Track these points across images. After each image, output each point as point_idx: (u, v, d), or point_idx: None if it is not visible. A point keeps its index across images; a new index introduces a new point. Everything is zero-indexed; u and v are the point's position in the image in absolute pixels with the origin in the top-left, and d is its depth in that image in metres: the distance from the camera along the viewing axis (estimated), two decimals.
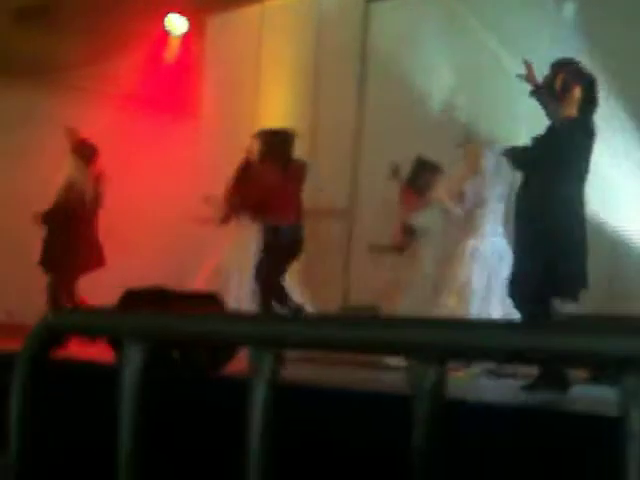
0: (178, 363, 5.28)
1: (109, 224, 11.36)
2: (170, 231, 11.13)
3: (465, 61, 9.38)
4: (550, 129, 5.93)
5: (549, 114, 5.96)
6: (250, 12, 11.65)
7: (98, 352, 5.80)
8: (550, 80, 5.99)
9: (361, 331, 1.41)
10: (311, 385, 4.54)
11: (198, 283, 9.13)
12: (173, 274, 9.85)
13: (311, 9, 11.01)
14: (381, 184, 8.97)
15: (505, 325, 1.32)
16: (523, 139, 6.90)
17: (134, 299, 5.77)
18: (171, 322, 1.60)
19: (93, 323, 1.77)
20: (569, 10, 8.90)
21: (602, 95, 6.07)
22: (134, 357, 1.60)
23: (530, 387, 5.56)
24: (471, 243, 7.58)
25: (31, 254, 8.91)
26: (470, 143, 7.85)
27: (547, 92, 5.94)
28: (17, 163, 10.54)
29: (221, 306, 6.23)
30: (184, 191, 11.17)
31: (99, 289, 8.53)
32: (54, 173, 9.05)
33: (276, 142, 7.75)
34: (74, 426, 4.61)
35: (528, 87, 6.07)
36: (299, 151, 10.58)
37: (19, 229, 9.16)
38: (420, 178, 8.37)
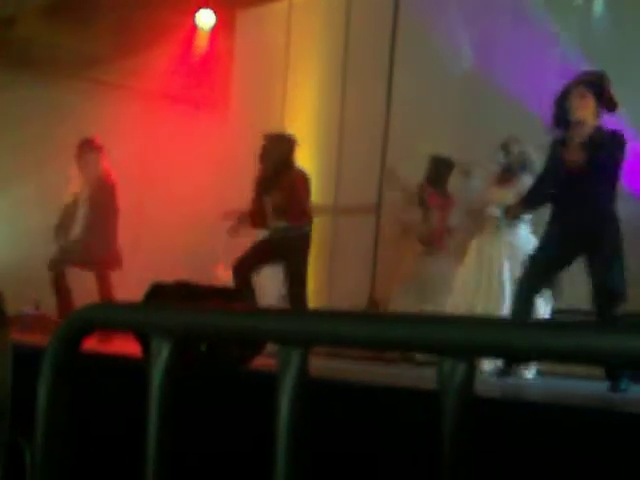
0: (206, 357, 5.29)
1: (139, 218, 11.41)
2: (200, 224, 11.19)
3: (495, 55, 9.33)
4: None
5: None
6: (278, 6, 11.66)
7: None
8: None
9: (390, 328, 1.40)
10: (336, 380, 4.54)
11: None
12: (202, 268, 9.90)
13: (340, 2, 10.99)
14: (410, 178, 8.95)
15: (535, 324, 1.31)
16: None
17: (161, 293, 5.79)
18: (198, 317, 1.60)
19: (121, 317, 1.77)
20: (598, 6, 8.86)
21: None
22: (161, 351, 1.60)
23: (500, 374, 6.28)
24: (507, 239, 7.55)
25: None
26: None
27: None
28: (41, 157, 10.61)
29: (249, 301, 6.24)
30: (213, 184, 11.23)
31: (129, 283, 8.59)
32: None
33: (275, 147, 7.76)
34: (102, 420, 4.64)
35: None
36: (326, 146, 10.59)
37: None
38: (440, 176, 8.46)
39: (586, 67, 7.84)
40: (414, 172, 8.81)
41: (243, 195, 11.25)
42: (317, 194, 10.45)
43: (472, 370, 1.35)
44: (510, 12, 9.31)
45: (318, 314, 1.50)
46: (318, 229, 10.85)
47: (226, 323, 1.55)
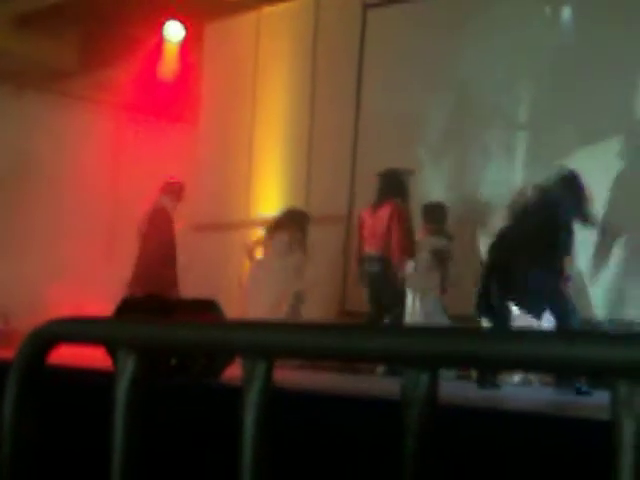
0: (175, 370, 5.27)
1: (113, 233, 11.37)
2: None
3: (462, 69, 9.38)
4: None
5: None
6: (247, 19, 11.66)
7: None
8: None
9: (355, 340, 1.41)
10: (302, 390, 4.54)
11: None
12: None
13: (308, 16, 11.01)
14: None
15: (496, 333, 1.32)
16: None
17: (132, 307, 5.77)
18: (163, 330, 1.60)
19: (87, 332, 1.77)
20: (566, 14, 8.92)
21: None
22: (126, 365, 1.60)
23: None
24: None
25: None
26: None
27: None
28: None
29: (220, 312, 6.21)
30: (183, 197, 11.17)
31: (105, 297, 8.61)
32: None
33: None
34: (69, 434, 4.61)
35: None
36: (296, 158, 10.59)
37: None
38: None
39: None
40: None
41: (211, 208, 11.26)
42: (288, 205, 10.46)
43: (435, 380, 1.36)
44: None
45: (282, 326, 1.50)
46: None
47: (190, 336, 1.55)
